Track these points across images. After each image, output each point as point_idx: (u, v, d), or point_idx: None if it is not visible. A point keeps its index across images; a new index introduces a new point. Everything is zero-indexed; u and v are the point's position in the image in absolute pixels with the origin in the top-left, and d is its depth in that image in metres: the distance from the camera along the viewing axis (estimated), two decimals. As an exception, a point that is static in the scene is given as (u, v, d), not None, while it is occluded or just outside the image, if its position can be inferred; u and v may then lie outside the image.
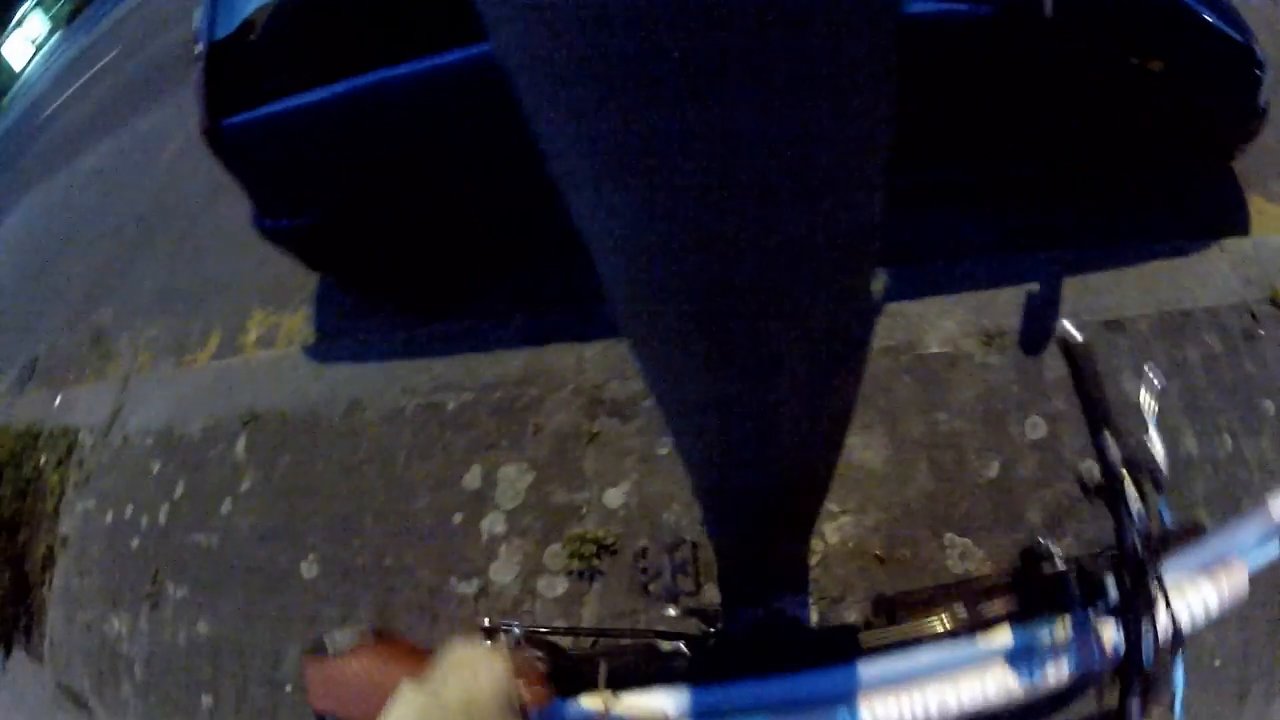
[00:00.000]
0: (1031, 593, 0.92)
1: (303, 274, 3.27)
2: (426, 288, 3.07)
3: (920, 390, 2.42)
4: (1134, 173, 2.72)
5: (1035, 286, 2.63)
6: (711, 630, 1.15)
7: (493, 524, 2.42)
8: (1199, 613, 0.85)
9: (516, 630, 1.01)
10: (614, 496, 2.30)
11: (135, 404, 3.84)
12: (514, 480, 2.42)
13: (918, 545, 2.27)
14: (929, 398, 2.41)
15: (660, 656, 1.04)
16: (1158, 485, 0.87)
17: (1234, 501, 2.23)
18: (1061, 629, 0.86)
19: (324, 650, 0.94)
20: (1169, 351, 2.55)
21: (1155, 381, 0.97)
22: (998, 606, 0.92)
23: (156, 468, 3.43)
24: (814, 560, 2.24)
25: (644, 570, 1.15)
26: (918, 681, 0.85)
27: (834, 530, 2.26)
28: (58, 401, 4.48)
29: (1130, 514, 0.84)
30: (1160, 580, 0.81)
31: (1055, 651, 0.85)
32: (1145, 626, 0.80)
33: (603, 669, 0.91)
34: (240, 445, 3.12)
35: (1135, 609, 0.81)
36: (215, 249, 4.59)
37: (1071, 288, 2.65)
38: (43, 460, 4.27)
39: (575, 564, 2.26)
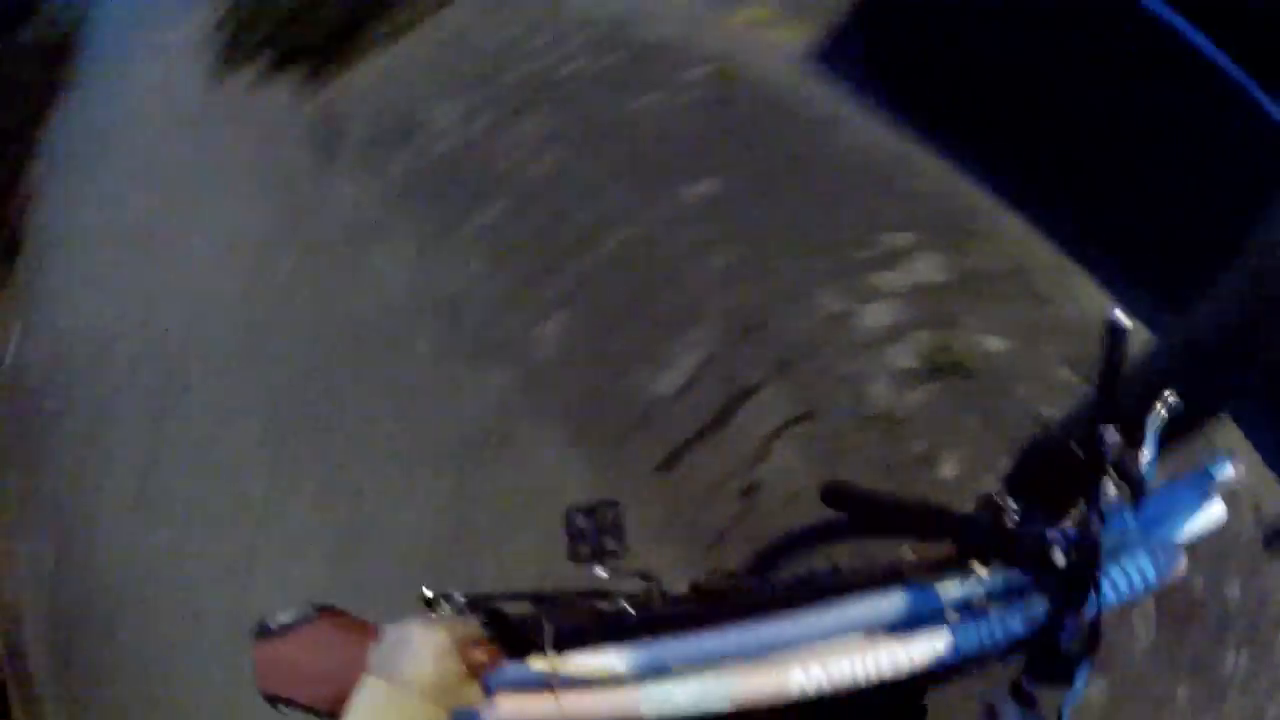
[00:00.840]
0: (984, 542, 0.94)
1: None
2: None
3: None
4: None
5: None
6: (654, 587, 1.14)
7: (892, 281, 2.80)
8: (1138, 585, 0.88)
9: (459, 598, 1.03)
10: (993, 343, 2.66)
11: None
12: (927, 270, 2.82)
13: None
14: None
15: (605, 616, 1.06)
16: (1135, 492, 0.89)
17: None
18: (999, 586, 0.89)
19: (270, 631, 0.95)
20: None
21: (1170, 401, 0.99)
22: (948, 550, 0.96)
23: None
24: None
25: (572, 535, 1.12)
26: (860, 633, 0.89)
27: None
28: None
29: (1101, 510, 0.85)
30: (1099, 582, 0.83)
31: (988, 612, 0.88)
32: (1072, 615, 0.82)
33: (547, 630, 0.93)
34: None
35: (1071, 594, 0.83)
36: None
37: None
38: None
39: (935, 357, 2.60)
